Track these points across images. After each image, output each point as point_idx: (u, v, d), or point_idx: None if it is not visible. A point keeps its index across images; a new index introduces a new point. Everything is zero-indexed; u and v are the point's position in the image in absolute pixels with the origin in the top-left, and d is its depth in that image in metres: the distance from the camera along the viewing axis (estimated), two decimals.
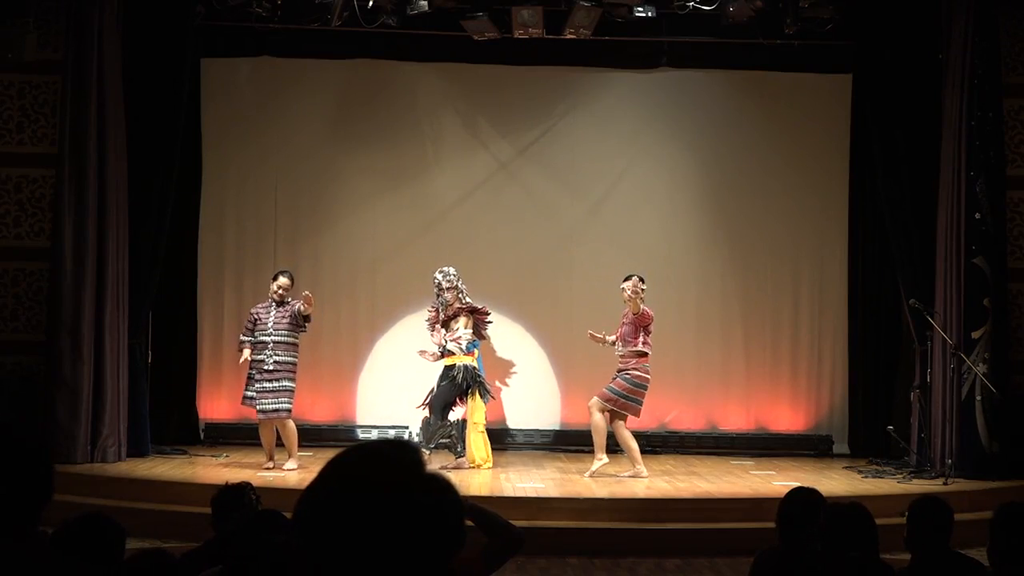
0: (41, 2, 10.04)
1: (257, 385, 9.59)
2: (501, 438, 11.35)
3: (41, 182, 10.39)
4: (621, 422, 9.62)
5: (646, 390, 9.64)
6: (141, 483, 9.13)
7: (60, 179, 9.87)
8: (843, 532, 4.10)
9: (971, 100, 9.86)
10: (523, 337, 11.78)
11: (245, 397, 9.68)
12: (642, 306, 9.48)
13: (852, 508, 4.21)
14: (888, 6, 10.41)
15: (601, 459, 9.61)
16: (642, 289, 9.49)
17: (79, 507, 4.96)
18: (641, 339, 9.59)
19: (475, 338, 10.25)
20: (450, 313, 10.17)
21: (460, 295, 10.22)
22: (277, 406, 9.54)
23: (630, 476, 9.58)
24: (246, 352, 9.67)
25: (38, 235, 10.38)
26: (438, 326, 10.23)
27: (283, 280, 9.71)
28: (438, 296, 10.27)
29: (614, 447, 9.88)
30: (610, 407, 9.59)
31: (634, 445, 9.68)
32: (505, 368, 11.59)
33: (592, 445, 9.76)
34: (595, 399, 9.66)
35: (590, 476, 9.56)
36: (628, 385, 9.57)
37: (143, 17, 10.20)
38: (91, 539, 3.38)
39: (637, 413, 9.68)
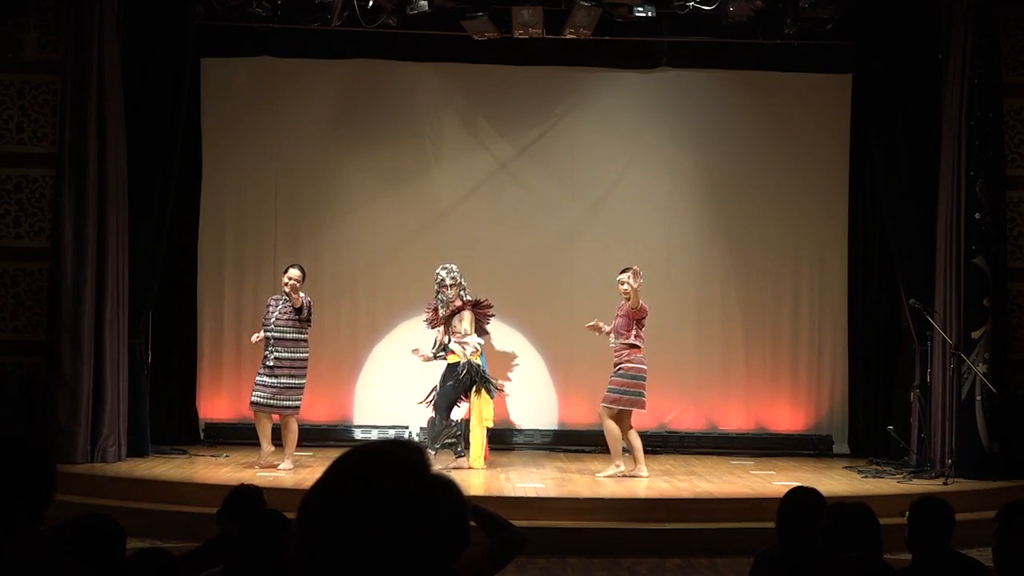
0: (41, 2, 10.04)
1: (258, 378, 9.60)
2: (501, 438, 11.32)
3: (41, 182, 10.38)
4: (627, 422, 9.62)
5: (645, 380, 9.61)
6: (141, 483, 9.11)
7: (60, 179, 9.86)
8: (847, 532, 4.10)
9: (971, 100, 9.86)
10: (523, 336, 11.76)
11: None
12: (639, 299, 9.47)
13: (856, 508, 4.21)
14: (888, 6, 10.41)
15: (618, 467, 9.60)
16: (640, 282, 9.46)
17: (79, 507, 4.96)
18: (634, 332, 9.57)
19: (479, 340, 10.16)
20: (451, 310, 10.13)
21: (462, 292, 10.19)
22: (271, 401, 9.52)
23: (630, 476, 9.58)
24: (259, 334, 9.63)
25: (38, 235, 10.38)
26: (442, 327, 10.17)
27: (291, 272, 9.57)
28: (438, 293, 10.20)
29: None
30: (617, 407, 9.57)
31: (639, 446, 9.67)
32: (505, 367, 11.58)
33: (607, 450, 9.75)
34: (602, 406, 9.63)
35: (604, 477, 9.56)
36: (626, 379, 9.55)
37: (143, 17, 10.20)
38: (91, 539, 3.38)
39: (643, 405, 9.64)
